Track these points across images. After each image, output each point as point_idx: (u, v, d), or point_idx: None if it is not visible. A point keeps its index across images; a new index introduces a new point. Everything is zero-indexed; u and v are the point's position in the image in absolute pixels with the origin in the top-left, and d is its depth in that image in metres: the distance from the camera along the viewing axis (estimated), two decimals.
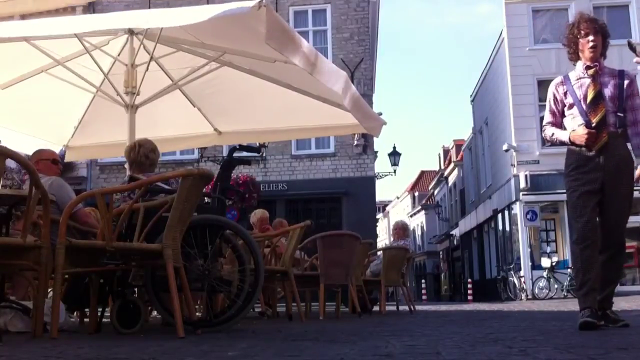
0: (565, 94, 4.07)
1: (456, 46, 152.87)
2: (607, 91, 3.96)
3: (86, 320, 4.76)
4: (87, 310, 4.75)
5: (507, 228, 23.80)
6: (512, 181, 21.35)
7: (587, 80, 4.00)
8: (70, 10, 19.42)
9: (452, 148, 40.20)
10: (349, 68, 18.75)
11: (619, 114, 3.94)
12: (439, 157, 46.40)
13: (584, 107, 3.97)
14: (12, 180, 4.82)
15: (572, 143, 3.96)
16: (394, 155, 21.05)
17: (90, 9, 19.69)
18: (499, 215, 24.76)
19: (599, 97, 3.94)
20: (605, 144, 3.89)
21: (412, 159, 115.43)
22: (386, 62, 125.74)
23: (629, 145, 4.01)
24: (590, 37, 3.97)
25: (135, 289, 4.42)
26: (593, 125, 3.90)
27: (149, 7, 18.03)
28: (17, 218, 3.83)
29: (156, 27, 5.18)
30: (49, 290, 3.79)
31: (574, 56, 4.10)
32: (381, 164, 52.06)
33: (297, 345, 2.97)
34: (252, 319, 5.93)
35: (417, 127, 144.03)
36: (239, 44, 5.59)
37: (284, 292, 6.86)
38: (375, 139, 19.08)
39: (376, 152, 20.59)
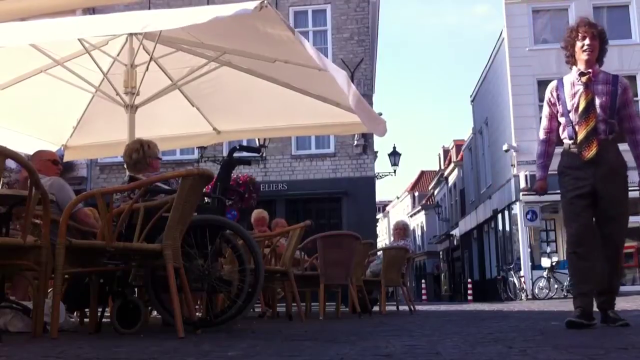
0: (558, 98, 4.07)
1: (456, 46, 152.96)
2: (599, 100, 3.92)
3: (86, 320, 4.76)
4: (87, 310, 4.75)
5: (507, 228, 23.80)
6: (512, 181, 21.34)
7: (581, 88, 3.97)
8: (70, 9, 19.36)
9: (452, 148, 40.20)
10: (349, 68, 18.75)
11: (609, 120, 3.92)
12: (439, 157, 46.40)
13: (573, 118, 3.96)
14: (8, 178, 4.81)
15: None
16: (394, 155, 21.04)
17: (90, 9, 19.66)
18: (499, 216, 24.76)
19: (590, 106, 3.92)
20: (596, 154, 3.87)
21: (412, 159, 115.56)
22: (386, 62, 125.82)
23: (622, 151, 3.98)
24: (587, 41, 3.95)
25: (135, 289, 4.42)
26: (579, 140, 3.90)
27: (149, 8, 18.02)
28: (17, 218, 3.83)
29: (157, 30, 5.18)
30: (49, 290, 3.79)
31: (571, 59, 4.08)
32: (381, 164, 52.19)
33: (297, 345, 2.97)
34: (252, 319, 5.93)
35: (417, 127, 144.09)
36: (239, 44, 5.59)
37: (284, 292, 6.86)
38: (375, 139, 19.11)
39: (376, 152, 20.61)
